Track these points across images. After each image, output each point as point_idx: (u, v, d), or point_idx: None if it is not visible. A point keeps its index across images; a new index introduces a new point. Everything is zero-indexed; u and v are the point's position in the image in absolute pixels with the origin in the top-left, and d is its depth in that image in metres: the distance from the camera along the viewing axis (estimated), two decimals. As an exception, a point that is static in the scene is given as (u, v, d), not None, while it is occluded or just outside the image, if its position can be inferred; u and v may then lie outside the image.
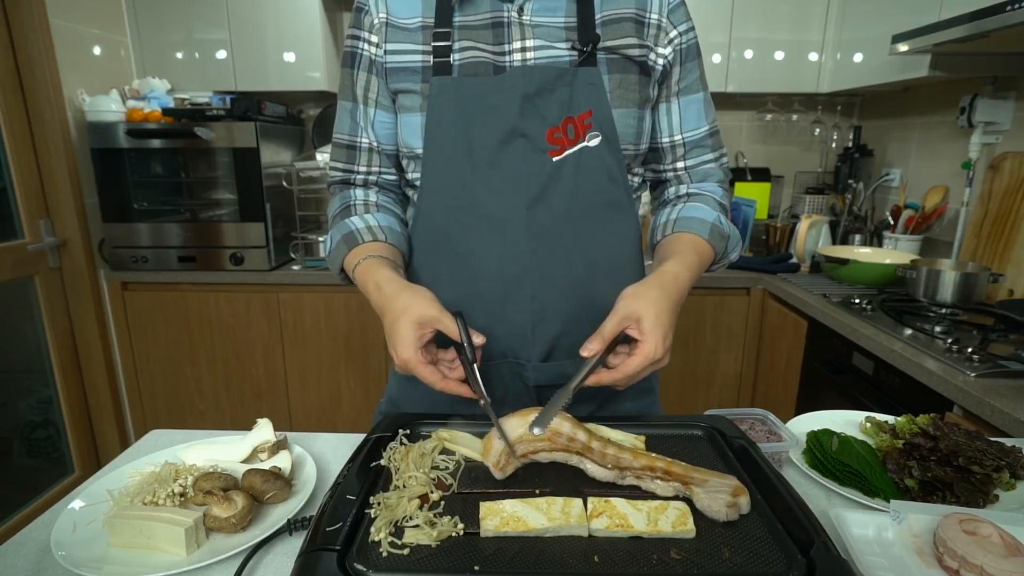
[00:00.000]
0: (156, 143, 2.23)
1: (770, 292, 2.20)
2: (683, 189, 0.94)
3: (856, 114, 2.70)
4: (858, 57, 2.18)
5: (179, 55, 2.42)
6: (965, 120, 1.91)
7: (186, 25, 2.37)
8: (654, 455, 0.66)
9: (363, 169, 0.93)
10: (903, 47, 1.66)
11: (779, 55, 2.38)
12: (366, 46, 0.87)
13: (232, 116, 2.20)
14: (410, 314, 0.72)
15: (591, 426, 0.72)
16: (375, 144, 0.91)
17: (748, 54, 2.39)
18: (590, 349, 0.71)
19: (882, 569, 0.58)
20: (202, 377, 2.40)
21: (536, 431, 0.66)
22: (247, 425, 0.85)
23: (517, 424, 0.68)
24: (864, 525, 0.64)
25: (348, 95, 0.91)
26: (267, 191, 2.26)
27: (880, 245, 2.24)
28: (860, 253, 2.15)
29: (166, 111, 2.22)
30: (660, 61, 0.86)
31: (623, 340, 0.75)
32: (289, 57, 2.39)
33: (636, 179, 0.92)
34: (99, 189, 2.23)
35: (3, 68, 1.99)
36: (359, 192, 0.93)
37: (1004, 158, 1.80)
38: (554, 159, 0.82)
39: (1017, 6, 1.24)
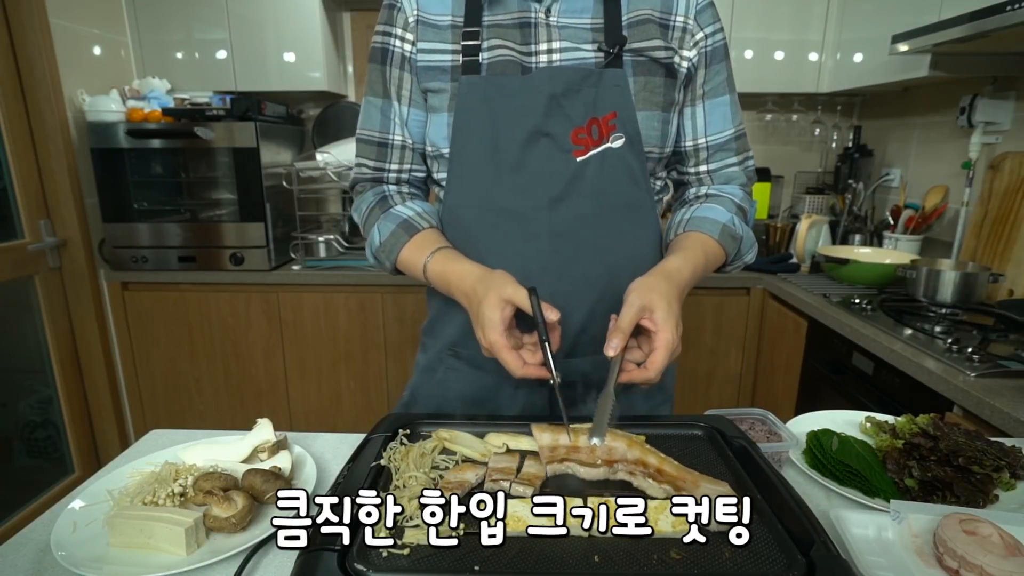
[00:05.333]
0: (156, 143, 2.23)
1: (770, 292, 2.20)
2: (703, 190, 0.95)
3: (856, 114, 2.70)
4: (858, 57, 2.18)
5: (179, 55, 2.42)
6: (965, 120, 1.91)
7: (186, 25, 2.37)
8: (649, 447, 0.66)
9: (395, 167, 0.92)
10: (903, 47, 1.66)
11: (779, 55, 2.38)
12: (399, 43, 0.86)
13: (232, 116, 2.20)
14: (491, 296, 0.72)
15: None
16: (408, 141, 0.90)
17: (748, 54, 2.39)
18: (614, 347, 0.70)
19: (882, 569, 0.58)
20: (202, 377, 2.40)
21: (596, 442, 0.66)
22: (247, 425, 0.85)
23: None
24: (864, 525, 0.64)
25: (378, 91, 0.89)
26: (267, 191, 2.25)
27: (880, 245, 2.24)
28: (860, 253, 2.15)
29: (166, 111, 2.22)
30: (685, 64, 0.86)
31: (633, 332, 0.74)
32: (289, 57, 2.38)
33: (659, 182, 0.93)
34: (99, 189, 2.23)
35: (3, 68, 1.99)
36: (392, 187, 0.93)
37: (1004, 158, 1.80)
38: (578, 159, 0.83)
39: (1017, 6, 1.24)
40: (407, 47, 0.86)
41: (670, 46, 0.84)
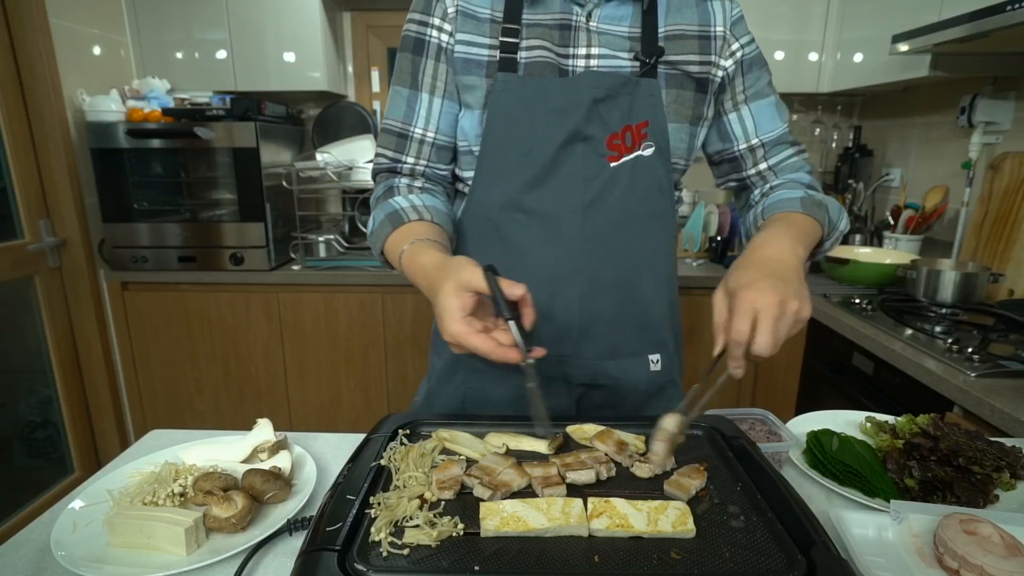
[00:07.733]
0: (156, 143, 2.22)
1: (770, 292, 2.19)
2: (767, 187, 0.94)
3: (856, 114, 2.70)
4: (858, 57, 2.17)
5: (179, 55, 2.42)
6: (965, 120, 1.91)
7: (186, 25, 2.37)
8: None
9: (411, 160, 0.90)
10: (903, 47, 1.66)
11: (779, 55, 2.38)
12: (436, 33, 0.85)
13: (232, 116, 2.20)
14: (447, 285, 0.67)
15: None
16: (429, 136, 0.88)
17: (748, 54, 2.38)
18: (718, 346, 0.65)
19: (882, 569, 0.58)
20: (202, 377, 2.40)
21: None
22: (247, 425, 0.85)
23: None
24: (864, 525, 0.64)
25: (407, 81, 0.87)
26: (267, 191, 2.25)
27: (880, 245, 2.24)
28: (860, 253, 2.15)
29: (166, 111, 2.22)
30: (719, 73, 0.88)
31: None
32: (289, 57, 2.38)
33: (677, 193, 0.94)
34: (99, 189, 2.23)
35: (3, 68, 1.98)
36: (404, 180, 0.90)
37: (1004, 158, 1.80)
38: (611, 165, 0.83)
39: (1017, 6, 1.24)
40: (444, 37, 0.85)
41: (707, 59, 0.86)
